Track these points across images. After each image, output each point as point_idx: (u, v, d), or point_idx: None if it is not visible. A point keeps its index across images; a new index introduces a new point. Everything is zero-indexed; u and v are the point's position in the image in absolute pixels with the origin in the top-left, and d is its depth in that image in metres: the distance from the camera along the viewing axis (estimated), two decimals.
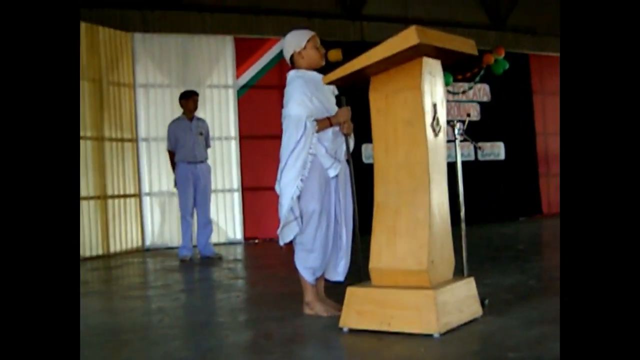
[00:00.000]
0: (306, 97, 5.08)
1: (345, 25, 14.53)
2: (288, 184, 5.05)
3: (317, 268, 5.17)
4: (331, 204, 5.19)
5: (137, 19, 12.52)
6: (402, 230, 4.49)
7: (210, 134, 10.61)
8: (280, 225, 5.09)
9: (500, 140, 15.00)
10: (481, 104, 14.90)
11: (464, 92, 14.64)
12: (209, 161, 10.39)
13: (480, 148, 13.80)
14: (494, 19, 16.45)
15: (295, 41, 5.33)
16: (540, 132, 15.78)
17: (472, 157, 14.17)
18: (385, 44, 4.34)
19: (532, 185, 15.51)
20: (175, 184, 10.20)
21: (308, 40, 5.30)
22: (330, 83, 4.89)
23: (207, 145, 10.37)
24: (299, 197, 5.05)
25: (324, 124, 5.08)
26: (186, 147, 10.03)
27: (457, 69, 13.93)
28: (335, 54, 5.18)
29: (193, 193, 10.09)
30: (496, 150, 14.93)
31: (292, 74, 5.29)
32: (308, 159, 5.03)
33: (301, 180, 5.01)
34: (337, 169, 5.14)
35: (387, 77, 4.60)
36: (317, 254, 5.13)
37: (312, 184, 5.06)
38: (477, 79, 14.71)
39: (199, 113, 10.48)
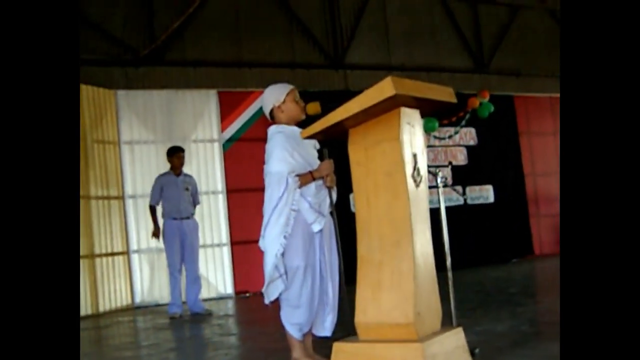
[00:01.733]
0: (287, 153, 5.04)
1: (329, 74, 14.56)
2: (272, 242, 4.99)
3: (304, 324, 5.10)
4: (316, 259, 5.12)
5: (120, 76, 12.52)
6: (386, 283, 4.42)
7: (198, 188, 10.55)
8: (265, 283, 5.02)
9: (489, 183, 14.99)
10: (468, 147, 14.91)
11: (450, 137, 14.65)
12: (196, 216, 10.33)
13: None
14: (478, 63, 16.51)
15: (274, 96, 5.30)
16: (528, 172, 15.81)
17: (461, 202, 14.13)
18: (361, 96, 4.30)
19: (523, 226, 15.48)
20: (153, 236, 10.13)
21: (287, 94, 5.27)
22: (309, 137, 4.85)
23: (196, 202, 10.34)
24: (283, 254, 4.98)
25: (306, 178, 5.03)
26: (172, 202, 10.00)
27: (442, 113, 13.92)
28: (314, 107, 5.14)
29: (180, 249, 10.02)
30: (485, 194, 14.91)
31: (272, 130, 5.25)
32: (291, 215, 4.97)
33: (284, 237, 4.95)
34: (322, 224, 5.08)
35: (365, 129, 4.56)
36: (304, 309, 5.05)
37: (296, 239, 5.00)
38: (463, 122, 14.73)
39: (185, 167, 10.43)
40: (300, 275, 5.01)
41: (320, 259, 5.16)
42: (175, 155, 10.14)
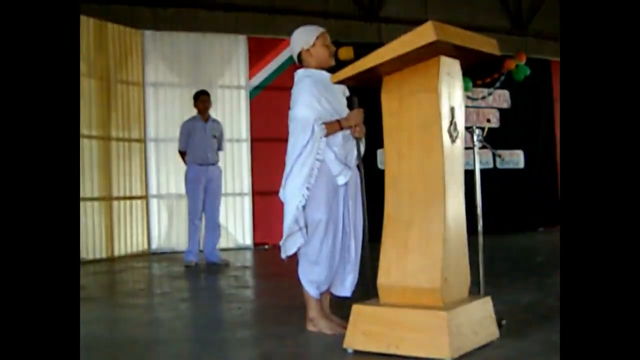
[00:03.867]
0: (314, 98, 4.73)
1: (363, 26, 14.23)
2: (293, 192, 4.69)
3: (322, 282, 4.81)
4: (339, 213, 4.82)
5: (148, 16, 12.24)
6: (414, 244, 4.11)
7: (224, 134, 10.28)
8: (284, 236, 4.73)
9: (520, 149, 14.62)
10: (501, 110, 14.51)
11: (483, 98, 14.26)
12: (220, 164, 10.05)
13: (500, 156, 13.37)
14: (516, 24, 16.11)
15: (303, 38, 4.99)
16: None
17: (491, 165, 13.80)
18: (399, 41, 3.97)
19: (551, 195, 15.08)
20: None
21: (317, 37, 4.96)
22: (339, 82, 4.53)
23: (220, 148, 10.06)
24: (304, 206, 4.68)
25: (333, 127, 4.72)
26: (198, 148, 9.74)
27: (476, 74, 13.57)
28: (346, 52, 4.80)
29: (203, 196, 9.76)
30: (515, 159, 14.55)
31: (299, 73, 4.95)
32: (315, 165, 4.66)
33: (307, 188, 4.65)
34: (347, 177, 4.78)
35: (401, 77, 4.23)
36: (323, 266, 4.76)
37: (319, 192, 4.70)
38: (497, 84, 14.31)
39: (210, 112, 10.10)
40: (322, 230, 4.71)
41: (343, 213, 4.86)
42: (199, 99, 9.87)
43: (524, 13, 16.23)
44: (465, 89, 13.20)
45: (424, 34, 3.83)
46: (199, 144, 9.76)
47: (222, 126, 10.25)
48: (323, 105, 4.73)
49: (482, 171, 5.07)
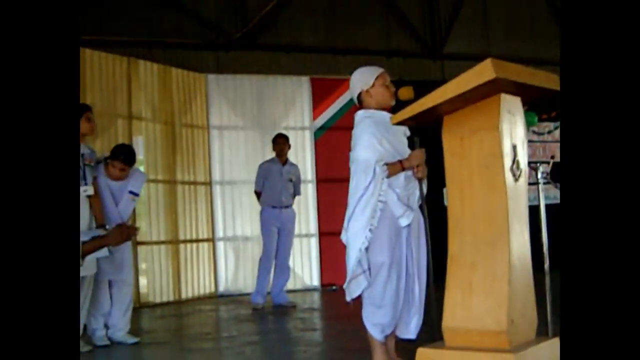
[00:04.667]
0: (375, 140, 4.69)
1: (426, 64, 14.16)
2: (356, 234, 4.64)
3: (387, 325, 4.74)
4: (402, 255, 4.75)
5: (211, 60, 12.32)
6: (478, 286, 4.02)
7: (301, 179, 10.27)
8: (348, 278, 4.68)
9: None
10: None
11: (549, 132, 14.09)
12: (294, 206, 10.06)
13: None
14: None
15: (362, 79, 4.97)
16: None
17: (558, 200, 13.57)
18: (458, 80, 3.92)
19: None
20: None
21: (377, 78, 4.93)
22: (399, 123, 4.48)
23: (297, 193, 10.11)
24: (367, 248, 4.63)
25: (395, 168, 4.67)
26: (273, 191, 9.77)
27: (542, 108, 13.41)
28: (406, 92, 4.76)
29: (277, 238, 9.75)
30: None
31: (360, 115, 4.93)
32: (377, 206, 4.61)
33: (370, 230, 4.59)
34: (410, 218, 4.71)
35: (461, 116, 4.17)
36: (387, 309, 4.69)
37: (382, 234, 4.64)
38: None
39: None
40: (385, 273, 4.65)
41: (407, 255, 4.79)
42: (275, 142, 9.94)
43: None
44: (531, 123, 13.05)
45: (483, 72, 3.78)
46: (273, 186, 9.78)
47: (299, 170, 10.25)
48: (384, 146, 4.69)
49: (548, 206, 4.99)
